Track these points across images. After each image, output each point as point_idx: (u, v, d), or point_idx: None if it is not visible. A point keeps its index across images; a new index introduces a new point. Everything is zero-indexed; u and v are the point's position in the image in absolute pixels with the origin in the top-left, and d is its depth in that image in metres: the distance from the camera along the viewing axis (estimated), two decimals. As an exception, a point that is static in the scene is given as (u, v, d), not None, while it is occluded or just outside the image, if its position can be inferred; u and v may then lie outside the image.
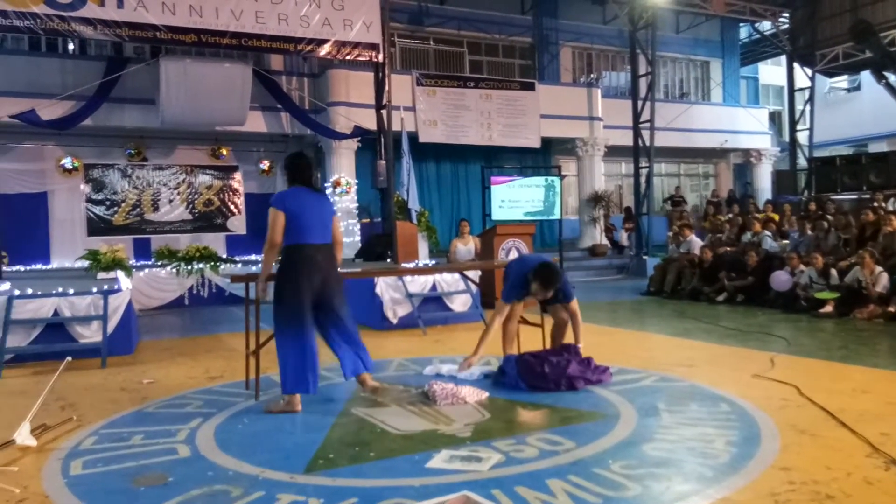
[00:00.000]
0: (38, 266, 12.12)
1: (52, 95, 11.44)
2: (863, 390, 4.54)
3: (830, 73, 19.42)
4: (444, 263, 10.18)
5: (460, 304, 8.45)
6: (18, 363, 6.30)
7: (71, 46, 13.44)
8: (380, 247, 11.31)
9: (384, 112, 11.67)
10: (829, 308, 8.18)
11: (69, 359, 4.49)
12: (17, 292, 6.61)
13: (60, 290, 6.74)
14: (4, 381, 5.71)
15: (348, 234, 13.36)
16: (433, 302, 8.36)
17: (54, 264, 12.57)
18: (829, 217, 10.84)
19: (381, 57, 11.38)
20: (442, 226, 15.60)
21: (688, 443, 3.54)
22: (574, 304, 5.21)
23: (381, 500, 2.87)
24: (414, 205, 11.83)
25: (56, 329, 6.57)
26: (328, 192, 13.68)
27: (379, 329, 7.94)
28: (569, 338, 5.29)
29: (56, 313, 6.54)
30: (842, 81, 22.57)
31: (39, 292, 6.67)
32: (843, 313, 8.04)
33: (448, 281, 8.40)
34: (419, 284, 8.19)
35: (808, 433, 3.63)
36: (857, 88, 22.04)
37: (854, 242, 9.50)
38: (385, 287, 7.97)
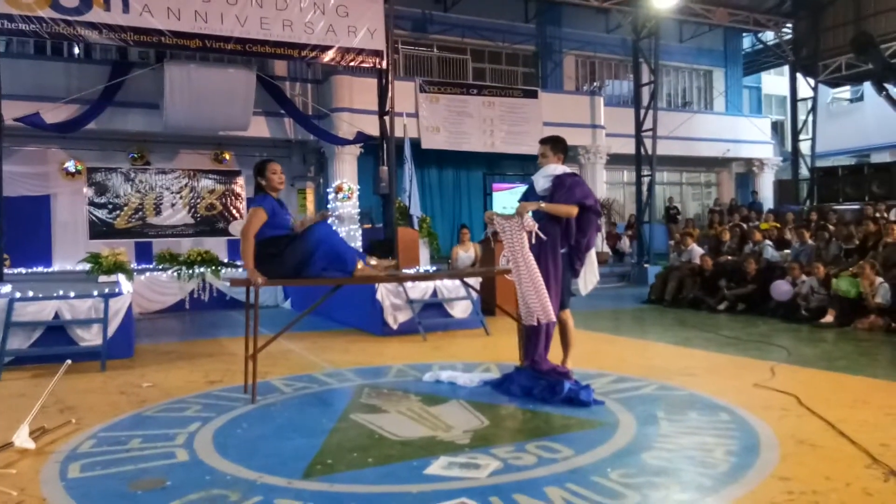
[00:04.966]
0: (40, 269, 12.12)
1: (57, 99, 11.49)
2: (863, 401, 4.53)
3: (833, 84, 19.42)
4: (444, 270, 10.19)
5: (461, 310, 8.45)
6: (18, 365, 6.30)
7: (76, 50, 13.50)
8: (381, 252, 11.34)
9: (387, 118, 11.73)
10: (829, 318, 8.17)
11: (69, 362, 4.48)
12: (18, 295, 6.61)
13: (61, 292, 6.74)
14: (4, 384, 5.71)
15: (350, 239, 13.37)
16: (434, 308, 8.36)
17: (56, 267, 12.58)
18: (830, 227, 10.83)
19: (384, 63, 11.44)
20: (443, 232, 15.62)
21: (687, 452, 3.54)
22: (565, 313, 5.04)
23: (379, 506, 2.86)
24: (416, 211, 11.87)
25: (56, 332, 6.57)
26: (330, 197, 13.72)
27: (379, 335, 7.94)
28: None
29: (57, 316, 6.53)
30: (845, 92, 22.60)
31: (40, 295, 6.67)
32: (843, 324, 8.02)
33: (449, 287, 8.40)
34: (420, 290, 8.19)
35: (807, 443, 3.62)
36: (860, 99, 22.06)
37: (856, 253, 9.49)
38: (386, 293, 7.97)
